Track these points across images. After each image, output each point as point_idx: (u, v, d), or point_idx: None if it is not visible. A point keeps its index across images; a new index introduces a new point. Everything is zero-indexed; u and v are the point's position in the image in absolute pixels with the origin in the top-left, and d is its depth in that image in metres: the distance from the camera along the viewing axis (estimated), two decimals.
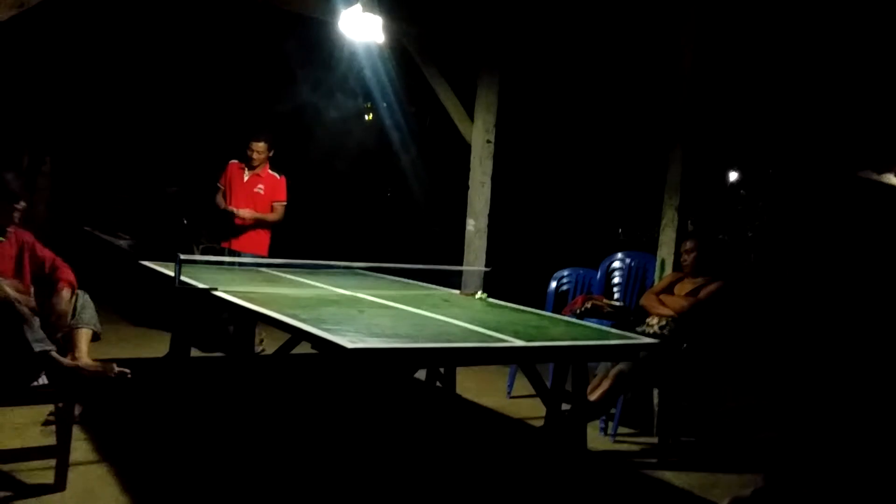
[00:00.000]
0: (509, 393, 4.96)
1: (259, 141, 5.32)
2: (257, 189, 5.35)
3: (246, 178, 5.34)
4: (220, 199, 5.37)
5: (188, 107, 9.22)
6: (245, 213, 5.26)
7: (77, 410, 3.19)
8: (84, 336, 3.21)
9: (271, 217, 5.37)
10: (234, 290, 3.47)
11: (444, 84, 5.86)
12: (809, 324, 6.98)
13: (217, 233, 5.41)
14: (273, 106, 9.36)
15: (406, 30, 5.54)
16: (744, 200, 10.74)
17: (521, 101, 8.14)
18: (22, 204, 3.24)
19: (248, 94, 9.47)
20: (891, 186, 10.10)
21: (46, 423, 3.45)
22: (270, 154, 5.38)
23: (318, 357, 2.92)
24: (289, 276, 4.47)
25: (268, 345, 4.13)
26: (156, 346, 5.39)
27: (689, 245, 4.25)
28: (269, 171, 5.39)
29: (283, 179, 5.43)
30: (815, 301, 7.49)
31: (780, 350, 6.38)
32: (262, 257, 5.27)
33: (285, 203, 5.42)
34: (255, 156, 5.30)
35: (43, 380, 2.89)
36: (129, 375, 3.02)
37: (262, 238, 5.38)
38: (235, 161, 5.39)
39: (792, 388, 5.66)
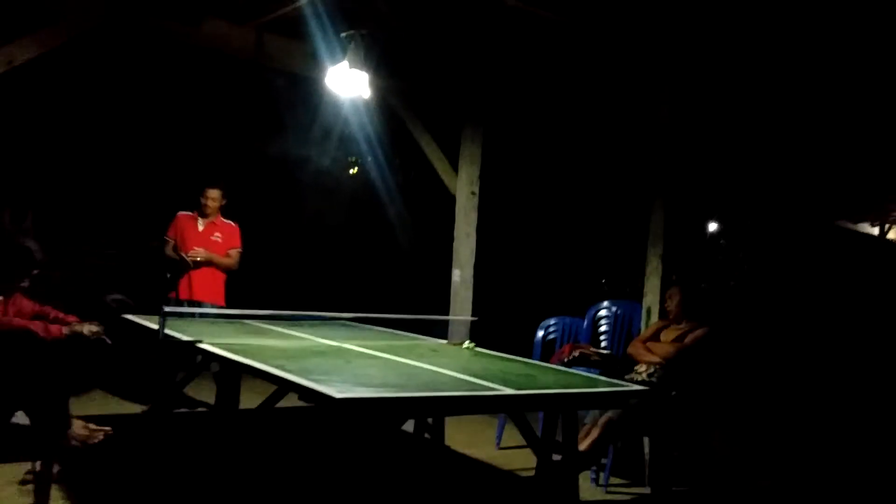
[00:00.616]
0: (498, 444, 4.89)
1: (214, 188, 5.29)
2: (214, 237, 5.29)
3: (201, 228, 5.27)
4: (170, 250, 5.25)
5: (170, 159, 9.25)
6: (200, 252, 5.17)
7: (56, 469, 3.10)
8: None
9: (227, 262, 5.29)
10: (219, 341, 3.44)
11: (428, 137, 5.95)
12: (790, 370, 7.00)
13: (168, 283, 5.31)
14: (250, 157, 9.41)
15: (391, 85, 5.65)
16: (724, 250, 10.87)
17: (505, 153, 8.26)
18: (37, 270, 3.25)
19: (235, 146, 9.53)
20: (867, 235, 10.30)
21: (24, 482, 3.34)
22: (224, 202, 5.35)
23: (304, 410, 2.87)
24: (274, 328, 4.43)
25: (252, 399, 4.08)
26: (114, 405, 5.26)
27: (672, 291, 4.30)
28: (223, 220, 5.36)
29: (237, 227, 5.40)
30: (794, 348, 7.53)
31: (765, 397, 6.38)
32: (221, 307, 5.19)
33: (241, 250, 5.38)
34: (210, 203, 5.25)
35: (19, 418, 2.79)
36: (111, 433, 2.95)
37: (220, 286, 5.30)
38: (185, 212, 5.31)
39: (781, 434, 5.63)
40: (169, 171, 9.07)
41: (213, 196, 5.28)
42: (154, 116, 9.09)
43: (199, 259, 5.17)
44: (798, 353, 7.39)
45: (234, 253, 5.35)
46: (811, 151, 7.39)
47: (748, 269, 10.39)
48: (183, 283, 5.19)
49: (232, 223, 5.40)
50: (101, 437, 2.91)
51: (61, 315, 3.33)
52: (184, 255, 5.17)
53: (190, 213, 5.32)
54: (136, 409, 5.12)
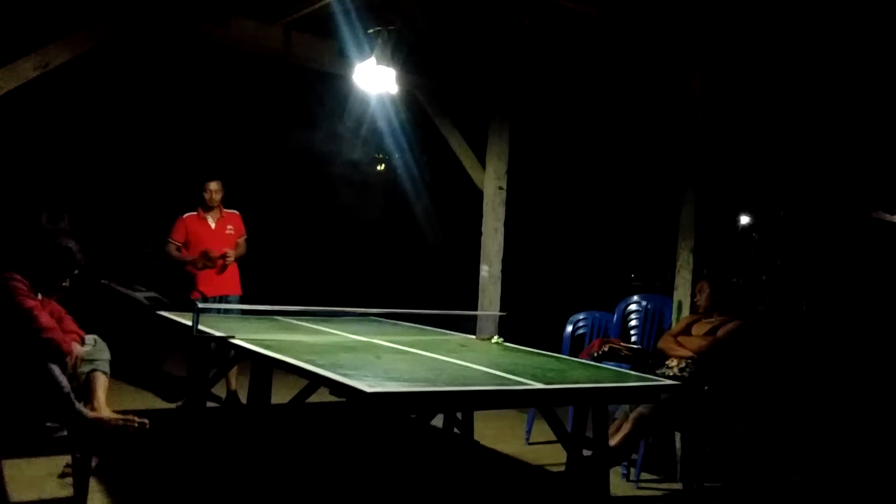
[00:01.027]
0: (528, 439, 4.88)
1: (214, 180, 5.32)
2: (228, 231, 5.35)
3: (213, 225, 5.32)
4: (174, 251, 5.27)
5: (199, 159, 9.38)
6: (231, 253, 5.24)
7: (94, 462, 3.17)
8: (101, 383, 3.22)
9: (243, 252, 5.39)
10: (250, 337, 3.48)
11: (455, 133, 5.94)
12: (824, 365, 6.88)
13: (183, 286, 5.35)
14: (276, 154, 9.48)
15: (418, 81, 5.65)
16: (756, 244, 10.71)
17: (533, 147, 8.23)
18: (77, 271, 3.31)
19: (262, 143, 9.62)
20: None
21: (63, 475, 3.41)
22: (223, 193, 5.37)
23: (334, 405, 2.89)
24: (304, 324, 4.48)
25: (282, 394, 4.14)
26: (140, 400, 5.35)
27: (701, 285, 4.26)
28: (226, 210, 5.40)
29: (239, 214, 5.47)
30: (828, 343, 7.39)
31: (799, 391, 6.28)
32: (241, 297, 5.30)
33: (246, 237, 5.46)
34: (214, 195, 5.28)
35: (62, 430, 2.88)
36: (147, 426, 3.01)
37: (237, 276, 5.38)
38: (190, 213, 5.33)
39: (814, 430, 5.54)
40: (195, 170, 9.21)
41: (216, 187, 5.31)
42: (183, 116, 9.21)
43: (230, 260, 5.25)
44: (832, 348, 7.26)
45: (243, 241, 5.43)
46: (847, 141, 7.24)
47: (781, 262, 10.23)
48: (205, 280, 5.26)
49: (235, 212, 5.46)
50: (136, 425, 2.97)
51: (72, 327, 3.32)
52: (213, 257, 5.20)
53: (194, 214, 5.33)
54: (170, 405, 5.21)
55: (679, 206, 4.61)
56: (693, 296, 4.36)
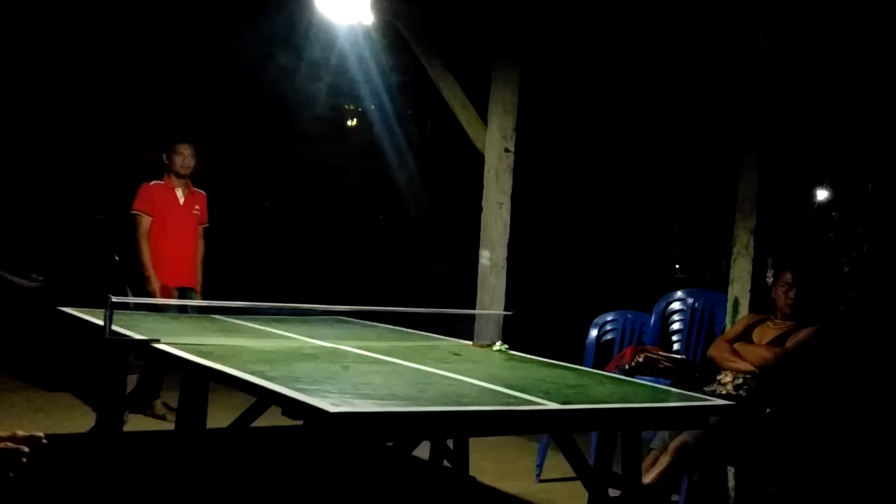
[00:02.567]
0: (539, 475, 4.90)
1: (186, 143, 5.54)
2: (195, 211, 5.63)
3: (182, 200, 5.57)
4: (145, 234, 5.44)
5: (115, 110, 9.32)
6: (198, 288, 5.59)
7: None
8: None
9: (202, 252, 5.70)
10: (181, 341, 3.47)
11: (449, 78, 5.91)
12: None
13: (118, 268, 5.66)
14: (213, 107, 9.44)
15: (400, 8, 5.62)
16: (837, 225, 10.75)
17: (549, 99, 8.20)
18: None
19: (192, 93, 9.56)
20: None
21: None
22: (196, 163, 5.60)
23: (288, 429, 2.89)
24: (252, 325, 4.48)
25: (221, 416, 4.14)
26: (78, 418, 5.37)
27: (787, 277, 4.22)
28: (194, 188, 5.67)
29: (206, 197, 5.72)
30: None
31: (886, 419, 6.32)
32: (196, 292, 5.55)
33: (207, 226, 5.73)
34: (187, 161, 5.51)
35: None
36: (44, 445, 2.99)
37: (196, 265, 5.66)
38: (159, 182, 5.54)
39: None
40: (106, 130, 9.16)
41: (188, 151, 5.51)
42: (94, 61, 9.14)
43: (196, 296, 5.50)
44: None
45: (201, 231, 5.69)
46: None
47: (868, 249, 10.27)
48: (167, 266, 5.45)
49: (202, 192, 5.71)
50: (27, 452, 2.93)
51: None
52: (160, 289, 5.37)
53: (160, 182, 5.53)
54: (82, 424, 5.20)
55: (736, 176, 4.61)
56: (756, 290, 4.37)
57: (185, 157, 5.49)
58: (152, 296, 5.28)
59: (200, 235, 5.67)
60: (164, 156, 5.54)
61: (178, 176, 5.52)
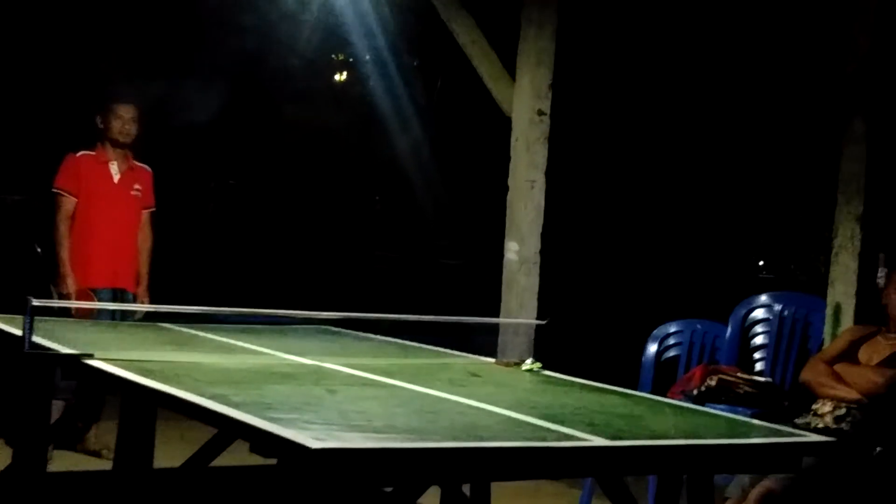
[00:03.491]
0: None
1: (129, 104, 5.52)
2: (135, 191, 5.57)
3: (117, 177, 5.52)
4: (66, 219, 5.44)
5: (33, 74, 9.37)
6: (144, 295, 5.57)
7: None
8: None
9: (149, 244, 5.70)
10: (120, 357, 3.47)
11: (467, 21, 5.90)
12: None
13: (41, 263, 5.66)
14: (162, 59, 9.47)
15: None
16: None
17: (595, 48, 8.18)
18: None
19: (134, 39, 9.59)
20: None
21: None
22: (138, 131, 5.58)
23: (258, 469, 2.87)
24: (212, 336, 4.48)
25: (175, 450, 4.14)
26: None
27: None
28: (136, 163, 5.65)
29: (152, 173, 5.73)
30: None
31: None
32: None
33: (154, 210, 5.74)
34: (128, 127, 5.47)
35: None
36: None
37: (136, 263, 5.66)
38: (89, 152, 5.52)
39: None
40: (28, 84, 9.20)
41: (130, 114, 5.48)
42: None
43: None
44: None
45: (147, 217, 5.67)
46: None
47: None
48: (96, 262, 5.44)
49: (146, 167, 5.69)
50: None
51: None
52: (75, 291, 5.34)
53: (90, 153, 5.52)
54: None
55: (839, 149, 4.61)
56: (864, 294, 4.39)
57: (124, 122, 5.45)
58: (68, 300, 5.26)
59: (146, 223, 5.66)
60: (98, 118, 5.50)
61: (115, 145, 5.49)
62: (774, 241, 11.23)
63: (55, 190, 5.43)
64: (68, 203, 5.40)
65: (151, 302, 5.49)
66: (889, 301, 4.24)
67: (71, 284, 5.33)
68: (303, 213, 11.21)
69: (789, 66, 9.14)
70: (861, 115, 4.55)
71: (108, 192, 5.49)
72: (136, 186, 5.58)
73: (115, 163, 5.51)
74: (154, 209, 5.72)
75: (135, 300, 5.51)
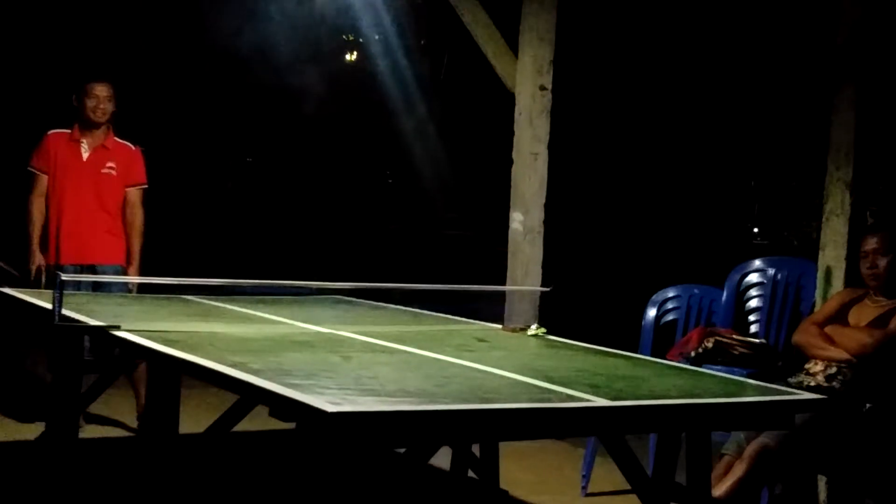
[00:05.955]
0: (585, 487, 4.92)
1: (102, 83, 5.38)
2: (107, 169, 5.41)
3: (86, 155, 5.39)
4: (41, 198, 5.36)
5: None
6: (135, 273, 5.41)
7: None
8: None
9: (139, 221, 5.49)
10: (145, 328, 3.50)
11: (471, 1, 5.87)
12: None
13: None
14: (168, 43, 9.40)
15: None
16: None
17: (595, 25, 8.13)
18: None
19: (151, 20, 9.54)
20: None
21: None
22: (114, 109, 5.44)
23: (277, 434, 2.90)
24: (233, 307, 4.51)
25: (195, 418, 4.16)
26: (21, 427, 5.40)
27: (874, 243, 4.18)
28: (117, 140, 5.49)
29: (139, 151, 5.56)
30: None
31: None
32: (123, 269, 5.43)
33: (145, 186, 5.55)
34: (101, 106, 5.35)
35: None
36: None
37: (120, 237, 5.49)
38: (60, 131, 5.42)
39: None
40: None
41: (104, 93, 5.35)
42: None
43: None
44: None
45: (135, 193, 5.50)
46: None
47: None
48: (64, 238, 5.33)
49: (130, 146, 5.54)
50: None
51: None
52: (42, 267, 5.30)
53: (65, 132, 5.42)
54: (28, 431, 5.26)
55: (829, 116, 4.57)
56: (852, 259, 4.33)
57: (98, 101, 5.32)
58: (33, 275, 5.25)
59: (134, 201, 5.50)
60: (74, 97, 5.39)
61: (88, 124, 5.36)
62: (768, 209, 11.19)
63: (29, 168, 5.37)
64: (41, 181, 5.34)
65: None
66: (866, 267, 4.17)
67: (36, 259, 5.27)
68: (317, 189, 11.21)
69: (781, 35, 9.07)
70: (851, 83, 4.50)
71: (75, 169, 5.35)
72: (110, 164, 5.40)
73: (86, 141, 5.37)
74: (145, 186, 5.55)
75: (124, 274, 5.37)
